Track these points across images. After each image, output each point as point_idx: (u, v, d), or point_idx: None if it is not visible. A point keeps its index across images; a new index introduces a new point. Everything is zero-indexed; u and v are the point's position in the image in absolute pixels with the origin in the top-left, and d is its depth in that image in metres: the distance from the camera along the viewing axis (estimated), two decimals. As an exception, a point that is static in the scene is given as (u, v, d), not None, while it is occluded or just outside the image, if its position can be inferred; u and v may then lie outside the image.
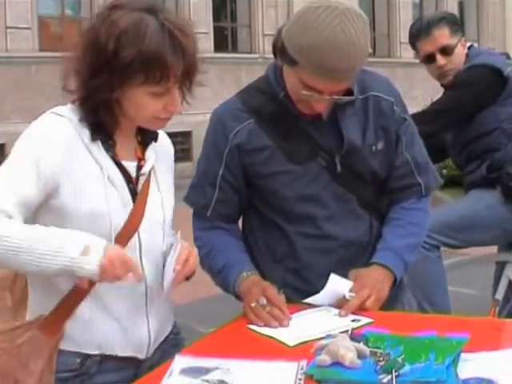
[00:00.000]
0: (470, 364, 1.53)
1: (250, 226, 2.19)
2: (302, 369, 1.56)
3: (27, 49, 10.86)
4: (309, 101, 1.96)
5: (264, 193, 2.10)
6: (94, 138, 1.66)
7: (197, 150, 10.86)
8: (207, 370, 1.56)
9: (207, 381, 1.52)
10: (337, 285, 1.95)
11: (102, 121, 1.67)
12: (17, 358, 1.64)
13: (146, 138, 1.78)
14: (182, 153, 11.20)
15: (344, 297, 1.95)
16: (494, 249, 3.49)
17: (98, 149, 1.67)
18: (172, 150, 1.90)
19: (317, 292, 1.96)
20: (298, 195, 2.07)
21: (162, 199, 1.79)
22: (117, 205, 1.67)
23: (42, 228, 1.57)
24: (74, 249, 1.53)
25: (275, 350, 1.71)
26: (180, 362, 1.62)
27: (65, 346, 1.67)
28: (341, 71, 1.88)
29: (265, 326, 1.86)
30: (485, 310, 3.37)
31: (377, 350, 1.58)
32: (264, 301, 1.89)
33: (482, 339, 1.67)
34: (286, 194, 2.07)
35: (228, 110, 2.08)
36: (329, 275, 1.97)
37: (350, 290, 1.96)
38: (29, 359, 1.63)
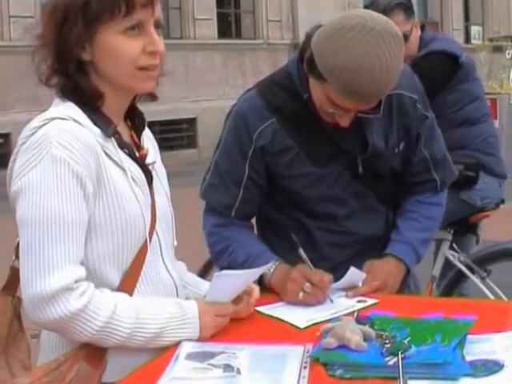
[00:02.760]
0: (477, 346, 1.53)
1: (268, 217, 2.18)
2: (307, 352, 1.55)
3: (30, 38, 10.83)
4: (333, 114, 1.94)
5: (285, 191, 2.10)
6: (107, 134, 1.58)
7: (202, 136, 10.85)
8: (213, 355, 1.56)
9: (213, 365, 1.51)
10: (353, 277, 1.97)
11: (87, 95, 1.57)
12: None
13: (135, 123, 1.72)
14: (187, 140, 11.19)
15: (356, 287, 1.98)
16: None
17: (114, 147, 1.60)
18: (156, 145, 1.85)
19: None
20: (319, 196, 2.08)
21: (166, 192, 1.78)
22: (145, 205, 1.63)
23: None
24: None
25: (281, 334, 1.71)
26: (186, 346, 1.61)
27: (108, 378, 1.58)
28: (371, 96, 1.86)
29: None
30: (424, 287, 3.39)
31: (383, 333, 1.57)
32: (309, 287, 1.88)
33: (489, 321, 1.67)
34: (307, 194, 2.08)
35: (250, 108, 2.05)
36: (343, 266, 1.99)
37: (363, 282, 1.99)
38: None
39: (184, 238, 1.79)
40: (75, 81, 1.56)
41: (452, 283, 3.41)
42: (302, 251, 1.95)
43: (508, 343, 1.54)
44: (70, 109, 1.57)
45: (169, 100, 10.52)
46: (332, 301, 1.88)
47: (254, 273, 1.79)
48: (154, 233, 1.66)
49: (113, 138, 1.60)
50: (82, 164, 1.51)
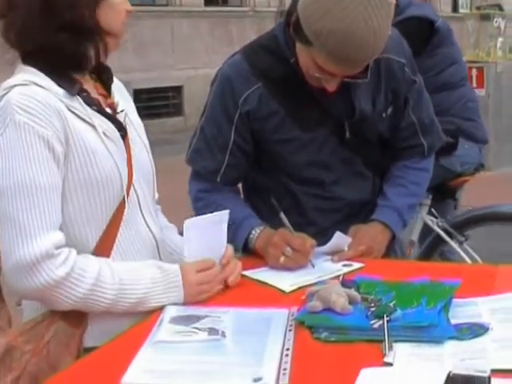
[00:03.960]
0: (462, 309, 1.53)
1: (254, 183, 2.18)
2: (292, 315, 1.55)
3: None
4: (319, 79, 1.92)
5: (272, 156, 2.09)
6: (72, 93, 1.56)
7: (188, 104, 10.79)
8: (197, 318, 1.55)
9: (198, 328, 1.51)
10: (339, 241, 1.97)
11: (73, 58, 1.57)
12: (46, 359, 1.50)
13: (102, 76, 1.70)
14: (173, 107, 11.12)
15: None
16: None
17: (81, 105, 1.58)
18: (131, 99, 1.83)
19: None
20: (306, 161, 2.07)
21: (145, 144, 1.76)
22: (121, 159, 1.62)
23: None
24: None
25: (266, 298, 1.71)
26: (170, 311, 1.61)
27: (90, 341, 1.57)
28: (358, 61, 1.84)
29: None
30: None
31: (368, 296, 1.57)
32: (290, 252, 1.88)
33: (474, 285, 1.67)
34: (294, 159, 2.07)
35: (236, 72, 2.02)
36: (329, 232, 1.98)
37: (348, 247, 1.98)
38: (58, 358, 1.51)
39: (171, 207, 1.78)
40: (56, 44, 1.54)
41: (430, 248, 3.43)
42: (283, 216, 1.93)
43: (493, 306, 1.54)
44: (31, 74, 1.55)
45: (155, 68, 10.45)
46: (314, 266, 1.88)
47: (222, 215, 1.76)
48: (132, 187, 1.64)
49: (78, 97, 1.58)
50: (47, 126, 1.50)
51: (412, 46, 2.96)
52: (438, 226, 3.42)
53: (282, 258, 1.88)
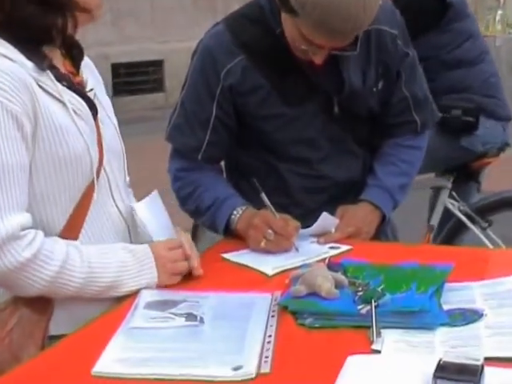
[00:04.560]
0: (455, 294, 1.53)
1: (237, 161, 2.18)
2: (275, 300, 1.55)
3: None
4: (307, 51, 1.91)
5: (256, 133, 2.08)
6: (41, 68, 1.54)
7: (170, 79, 10.74)
8: (174, 303, 1.55)
9: (174, 314, 1.50)
10: (325, 222, 1.98)
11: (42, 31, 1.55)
12: (8, 348, 1.49)
13: (71, 53, 1.68)
14: (153, 83, 11.05)
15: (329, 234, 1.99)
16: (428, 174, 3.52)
17: (51, 80, 1.56)
18: (100, 78, 1.81)
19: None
20: (292, 138, 2.06)
21: (114, 125, 1.75)
22: (91, 139, 1.60)
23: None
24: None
25: (248, 282, 1.71)
26: (145, 295, 1.60)
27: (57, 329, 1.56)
28: (345, 32, 1.83)
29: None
30: (418, 237, 3.44)
31: (355, 280, 1.58)
32: (272, 235, 1.88)
33: (467, 269, 1.67)
34: (279, 136, 2.06)
35: (217, 44, 2.01)
36: (316, 212, 1.98)
37: (335, 228, 1.99)
38: (21, 347, 1.49)
39: (152, 188, 1.78)
40: (25, 15, 1.53)
41: (451, 234, 3.37)
42: (264, 196, 1.92)
43: (487, 291, 1.54)
44: (0, 46, 1.53)
45: (133, 41, 10.36)
46: (298, 249, 1.87)
47: (153, 196, 1.76)
48: (102, 170, 1.64)
49: (49, 71, 1.56)
50: (16, 102, 1.48)
51: (425, 22, 2.91)
52: (460, 211, 3.36)
53: (264, 242, 1.88)
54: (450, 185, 3.38)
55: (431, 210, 3.47)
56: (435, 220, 3.43)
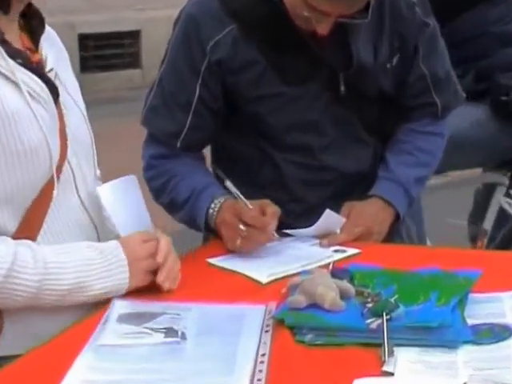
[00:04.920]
0: (482, 306, 1.54)
1: (224, 150, 2.19)
2: (270, 313, 1.55)
3: None
4: (310, 19, 1.91)
5: (248, 117, 2.09)
6: None
7: (147, 54, 10.75)
8: (152, 316, 1.56)
9: (151, 329, 1.51)
10: (329, 221, 1.99)
11: None
12: None
13: (30, 24, 1.67)
14: (128, 57, 11.07)
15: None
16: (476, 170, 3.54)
17: (2, 57, 1.54)
18: (66, 52, 1.81)
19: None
20: (291, 123, 2.08)
21: (82, 110, 1.75)
22: (51, 128, 1.60)
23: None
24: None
25: (237, 291, 1.72)
26: (118, 306, 1.61)
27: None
28: None
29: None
30: (466, 241, 3.45)
31: (364, 290, 1.58)
32: (243, 228, 1.87)
33: (497, 276, 1.68)
34: (276, 120, 2.07)
35: (203, 11, 2.01)
36: (318, 209, 1.99)
37: (341, 228, 2.00)
38: None
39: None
40: None
41: (508, 238, 3.36)
42: (229, 183, 1.91)
43: (521, 304, 1.55)
44: None
45: (105, 8, 10.36)
46: (276, 236, 1.88)
47: (130, 179, 1.77)
48: (66, 163, 1.63)
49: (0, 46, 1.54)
50: None
51: None
52: None
53: (239, 240, 1.87)
54: (506, 181, 3.35)
55: (482, 210, 3.44)
56: (489, 222, 3.39)
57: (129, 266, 1.62)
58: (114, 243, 1.65)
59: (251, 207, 1.88)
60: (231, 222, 1.89)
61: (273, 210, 1.89)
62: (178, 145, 2.07)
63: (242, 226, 1.86)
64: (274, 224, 1.89)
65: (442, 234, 3.30)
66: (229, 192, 1.96)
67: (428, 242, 2.71)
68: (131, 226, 1.72)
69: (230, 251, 1.92)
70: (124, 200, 1.74)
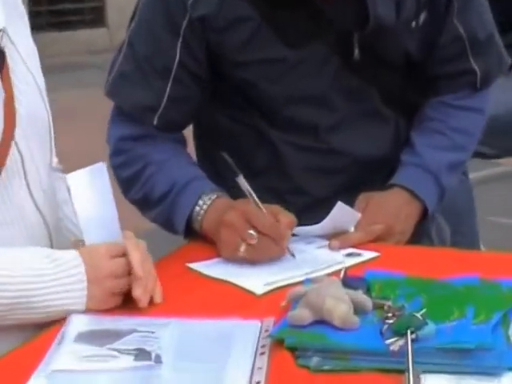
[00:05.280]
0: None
1: (210, 129, 2.22)
2: (266, 331, 1.56)
3: None
4: None
5: (239, 87, 2.12)
6: None
7: (113, 9, 10.76)
8: (118, 335, 1.56)
9: (118, 350, 1.51)
10: (341, 217, 2.01)
11: None
12: None
13: None
14: (90, 14, 11.09)
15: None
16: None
17: None
18: (22, 7, 1.83)
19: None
20: (290, 95, 2.10)
21: (37, 82, 1.76)
22: None
23: None
24: None
25: (226, 303, 1.73)
26: (76, 322, 1.62)
27: None
28: None
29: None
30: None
31: (384, 302, 1.58)
32: (254, 237, 1.88)
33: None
34: (272, 92, 2.10)
35: None
36: (326, 203, 2.01)
37: (355, 226, 2.03)
38: None
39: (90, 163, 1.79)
40: None
41: None
42: (242, 179, 1.91)
43: None
44: None
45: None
46: (294, 255, 1.89)
47: (99, 166, 1.76)
48: (13, 145, 1.64)
49: None
50: None
51: None
52: None
53: (243, 247, 1.88)
54: None
55: None
56: None
57: (89, 284, 1.64)
58: (72, 254, 1.66)
59: (265, 211, 1.90)
60: (239, 224, 1.89)
61: (289, 220, 1.91)
62: (155, 122, 2.08)
63: (253, 232, 1.87)
64: (288, 236, 1.91)
65: (490, 235, 3.32)
66: (222, 188, 2.01)
67: (482, 248, 2.73)
68: (96, 228, 1.73)
69: (214, 255, 1.94)
70: (91, 195, 1.73)
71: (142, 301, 1.67)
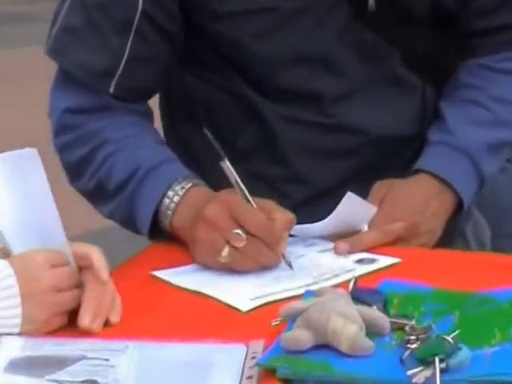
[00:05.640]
0: None
1: (185, 97, 2.25)
2: (253, 357, 1.55)
3: None
4: None
5: (220, 46, 2.15)
6: None
7: None
8: (63, 362, 1.55)
9: (61, 383, 1.50)
10: (351, 211, 2.02)
11: None
12: None
13: None
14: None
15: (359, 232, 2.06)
16: None
17: None
18: None
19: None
20: (286, 55, 2.13)
21: None
22: None
23: None
24: None
25: (201, 321, 1.73)
26: (8, 346, 1.62)
27: None
28: None
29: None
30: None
31: (405, 322, 1.58)
32: (241, 239, 1.87)
33: None
34: (263, 50, 2.12)
35: None
36: (332, 194, 2.05)
37: (370, 223, 2.05)
38: None
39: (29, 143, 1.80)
40: None
41: None
42: (227, 164, 1.92)
43: None
44: None
45: None
46: (291, 266, 1.90)
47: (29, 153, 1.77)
48: None
49: None
50: None
51: None
52: None
53: (226, 251, 1.87)
54: None
55: None
56: None
57: (23, 300, 1.64)
58: (1, 263, 1.66)
59: (255, 206, 1.90)
60: (221, 222, 1.89)
61: (286, 217, 1.92)
62: (112, 89, 2.08)
63: (239, 232, 1.86)
64: (285, 239, 1.91)
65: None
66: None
67: None
68: (28, 232, 1.73)
69: (187, 261, 1.95)
70: (19, 188, 1.74)
71: (93, 328, 1.67)
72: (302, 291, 1.76)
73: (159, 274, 1.88)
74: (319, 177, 2.17)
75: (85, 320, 1.66)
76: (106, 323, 1.69)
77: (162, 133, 2.26)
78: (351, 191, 1.99)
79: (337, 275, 1.85)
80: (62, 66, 2.14)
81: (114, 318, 1.70)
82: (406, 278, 1.79)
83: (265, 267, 1.88)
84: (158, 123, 2.24)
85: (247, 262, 1.88)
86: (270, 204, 1.92)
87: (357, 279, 1.76)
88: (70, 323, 1.67)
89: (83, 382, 1.50)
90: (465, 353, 1.47)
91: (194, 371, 1.53)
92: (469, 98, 2.20)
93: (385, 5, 2.09)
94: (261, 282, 1.85)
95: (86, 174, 2.09)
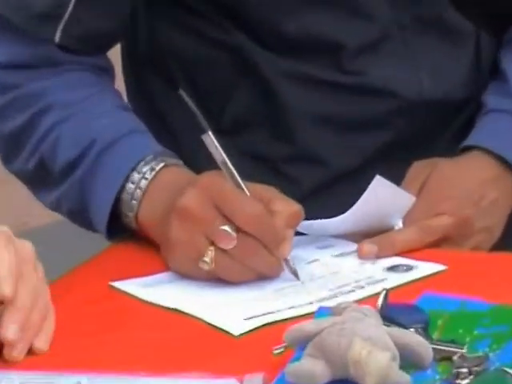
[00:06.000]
0: None
1: (158, 47, 2.28)
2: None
3: None
4: None
5: None
6: None
7: None
8: None
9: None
10: (381, 202, 2.03)
11: None
12: None
13: None
14: None
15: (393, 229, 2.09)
16: None
17: None
18: None
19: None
20: None
21: None
22: None
23: None
24: None
25: (179, 348, 1.72)
26: None
27: None
28: None
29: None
30: None
31: (454, 349, 1.55)
32: (231, 239, 1.86)
33: None
34: None
35: None
36: (355, 178, 2.14)
37: (404, 218, 2.08)
38: None
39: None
40: None
41: None
42: (211, 137, 1.90)
43: None
44: None
45: None
46: (297, 275, 1.90)
47: None
48: None
49: None
50: None
51: None
52: None
53: (210, 254, 1.85)
54: None
55: None
56: None
57: None
58: None
59: (249, 194, 1.89)
60: (204, 214, 1.88)
61: (290, 210, 1.90)
62: (58, 37, 2.07)
63: (227, 229, 1.84)
64: (290, 238, 1.89)
65: None
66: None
67: None
68: None
69: (161, 268, 1.96)
70: None
71: (14, 354, 1.67)
72: (313, 308, 1.75)
73: (120, 285, 1.88)
74: (336, 156, 2.17)
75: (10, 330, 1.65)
76: (51, 351, 1.68)
77: (125, 96, 2.25)
78: (380, 174, 1.96)
79: (361, 287, 1.85)
80: None
81: (42, 345, 1.69)
82: (454, 290, 1.78)
83: (262, 276, 1.88)
84: (120, 83, 2.22)
85: (238, 270, 1.87)
86: (269, 191, 1.91)
87: (388, 292, 1.74)
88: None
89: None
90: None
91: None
92: None
93: None
94: (258, 297, 1.84)
95: (22, 151, 2.09)
